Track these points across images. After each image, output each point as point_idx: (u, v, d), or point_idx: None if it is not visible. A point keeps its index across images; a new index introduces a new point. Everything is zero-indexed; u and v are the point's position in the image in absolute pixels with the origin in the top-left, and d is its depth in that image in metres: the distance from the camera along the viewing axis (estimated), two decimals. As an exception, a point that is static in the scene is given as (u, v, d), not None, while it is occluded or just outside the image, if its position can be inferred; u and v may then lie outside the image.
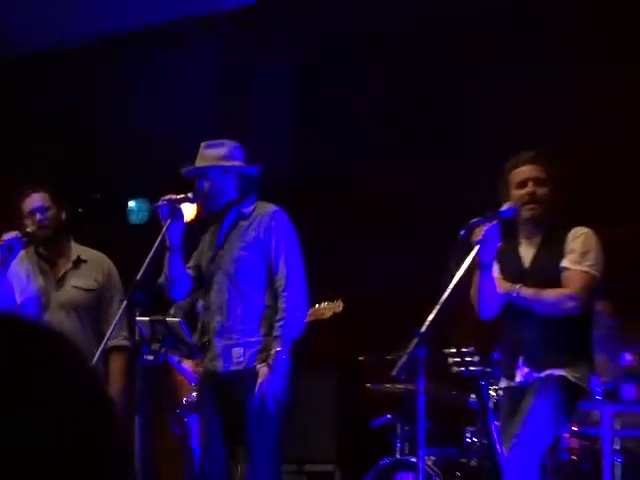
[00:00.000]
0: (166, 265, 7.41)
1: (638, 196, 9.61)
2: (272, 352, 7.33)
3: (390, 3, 10.48)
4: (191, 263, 7.64)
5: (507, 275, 7.19)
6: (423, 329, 6.60)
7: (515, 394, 7.10)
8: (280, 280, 7.44)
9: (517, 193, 7.08)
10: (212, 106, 10.60)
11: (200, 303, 7.65)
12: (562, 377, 6.97)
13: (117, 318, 7.36)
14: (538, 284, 7.05)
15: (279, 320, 7.36)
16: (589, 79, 9.92)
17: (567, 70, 10.06)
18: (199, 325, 7.59)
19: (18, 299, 7.87)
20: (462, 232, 6.79)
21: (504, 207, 7.00)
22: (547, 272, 7.09)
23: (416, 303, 7.12)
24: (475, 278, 7.06)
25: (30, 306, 7.80)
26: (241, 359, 7.42)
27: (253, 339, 7.43)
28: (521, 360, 7.09)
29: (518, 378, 7.10)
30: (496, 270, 7.21)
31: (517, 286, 7.06)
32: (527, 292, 7.03)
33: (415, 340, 6.63)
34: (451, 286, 6.65)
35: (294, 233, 7.62)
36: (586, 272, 7.02)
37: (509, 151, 7.62)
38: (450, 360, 8.00)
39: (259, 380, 7.28)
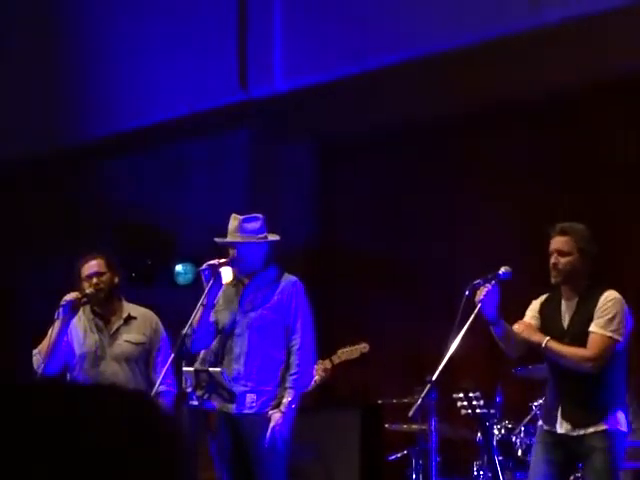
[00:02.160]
0: (197, 319, 7.34)
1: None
2: (284, 401, 7.33)
3: (388, 105, 10.34)
4: (211, 319, 7.62)
5: (549, 331, 7.01)
6: (434, 376, 6.63)
7: (560, 441, 6.93)
8: (295, 340, 7.45)
9: (550, 261, 6.99)
10: (244, 186, 10.62)
11: (211, 353, 7.61)
12: (614, 431, 6.82)
13: (166, 367, 7.35)
14: (575, 343, 6.89)
15: (292, 374, 7.38)
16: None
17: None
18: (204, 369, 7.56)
19: (77, 351, 7.73)
20: (467, 292, 6.75)
21: (502, 270, 6.88)
22: (582, 334, 6.90)
23: (427, 353, 7.15)
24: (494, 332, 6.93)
25: (88, 358, 7.70)
26: (253, 404, 7.40)
27: (267, 388, 7.42)
28: (560, 411, 6.94)
29: (560, 429, 6.93)
30: (534, 316, 7.09)
31: (546, 338, 6.90)
32: (552, 346, 6.88)
33: (427, 386, 6.66)
34: (458, 339, 6.63)
35: (308, 301, 7.63)
36: (609, 337, 6.83)
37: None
38: (459, 403, 7.76)
39: (271, 424, 7.29)
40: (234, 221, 7.55)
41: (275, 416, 7.32)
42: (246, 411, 7.38)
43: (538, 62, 9.47)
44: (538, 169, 10.21)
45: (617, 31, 9.04)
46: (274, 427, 7.30)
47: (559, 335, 6.92)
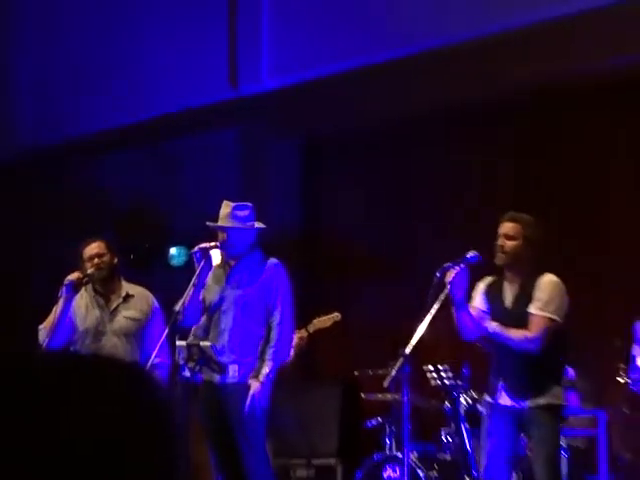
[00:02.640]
0: (188, 298, 7.42)
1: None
2: (263, 371, 7.44)
3: (372, 102, 10.46)
4: (200, 297, 7.67)
5: (492, 310, 7.17)
6: (407, 351, 6.83)
7: (502, 413, 7.08)
8: (275, 317, 7.53)
9: (496, 243, 7.13)
10: (234, 178, 10.66)
11: (200, 328, 7.67)
12: (555, 404, 7.01)
13: (160, 342, 7.46)
14: (515, 323, 7.02)
15: (271, 348, 7.48)
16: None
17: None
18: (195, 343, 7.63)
19: (80, 327, 7.80)
20: (438, 274, 6.90)
21: (469, 254, 7.03)
22: (522, 315, 7.02)
23: (401, 329, 7.37)
24: (454, 311, 7.06)
25: (89, 333, 7.81)
26: (236, 374, 7.50)
27: (248, 359, 7.52)
28: (502, 385, 7.07)
29: (502, 401, 7.08)
30: (483, 304, 7.23)
31: (493, 324, 7.06)
32: (498, 330, 7.03)
33: (401, 359, 6.85)
34: (429, 316, 6.82)
35: (289, 282, 7.70)
36: (549, 318, 6.98)
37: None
38: (429, 375, 8.06)
39: (251, 392, 7.39)
40: (226, 208, 7.63)
41: (254, 385, 7.41)
42: (229, 380, 7.47)
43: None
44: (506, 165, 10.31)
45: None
46: (253, 395, 7.39)
47: (502, 315, 7.08)
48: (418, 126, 10.60)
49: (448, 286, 6.88)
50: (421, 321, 6.91)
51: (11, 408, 1.25)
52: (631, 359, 7.53)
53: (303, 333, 8.43)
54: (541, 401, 6.95)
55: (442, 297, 6.91)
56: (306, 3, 10.14)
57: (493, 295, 7.20)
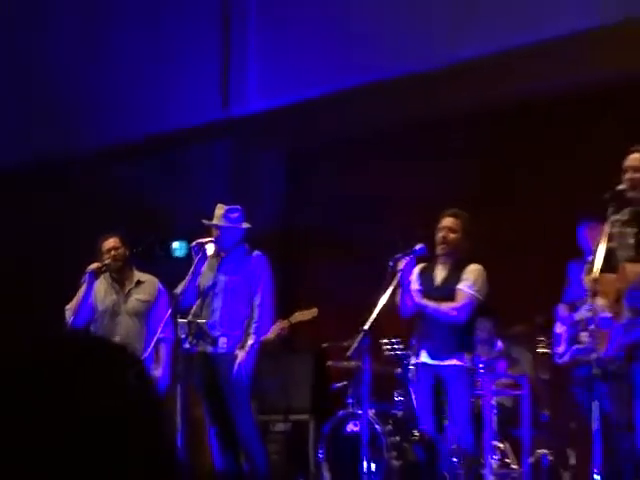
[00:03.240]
0: (186, 284, 7.50)
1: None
2: (248, 343, 7.54)
3: (344, 121, 10.42)
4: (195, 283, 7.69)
5: (424, 288, 7.26)
6: (366, 327, 6.96)
7: (423, 369, 7.22)
8: (257, 299, 7.61)
9: (438, 235, 7.25)
10: (227, 184, 10.61)
11: (197, 308, 7.70)
12: (467, 368, 7.13)
13: (164, 320, 7.59)
14: (443, 298, 7.17)
15: (254, 323, 7.57)
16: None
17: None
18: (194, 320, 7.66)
19: (99, 308, 7.85)
20: (391, 263, 7.06)
21: (417, 247, 7.13)
22: (450, 291, 7.18)
23: (363, 309, 7.46)
24: (399, 292, 7.17)
25: (107, 313, 7.88)
26: (224, 345, 7.58)
27: (235, 333, 7.60)
28: (425, 346, 7.21)
29: (422, 359, 7.24)
30: (417, 284, 7.31)
31: (424, 300, 7.18)
32: (430, 305, 7.18)
33: (362, 334, 6.97)
34: (384, 298, 6.94)
35: (270, 269, 7.75)
36: (471, 294, 7.13)
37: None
38: (384, 347, 8.10)
39: (237, 360, 7.48)
40: (220, 210, 7.66)
41: (240, 354, 7.51)
42: (219, 350, 7.56)
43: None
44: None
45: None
46: (239, 362, 7.48)
47: (432, 292, 7.21)
48: (383, 141, 10.56)
49: (399, 273, 6.98)
50: (377, 302, 6.98)
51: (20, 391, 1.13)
52: (555, 337, 7.67)
53: (285, 323, 8.37)
54: (453, 362, 7.07)
55: (394, 282, 6.98)
56: (288, 37, 10.03)
57: (425, 276, 7.31)
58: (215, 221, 7.66)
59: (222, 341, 7.60)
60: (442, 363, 7.13)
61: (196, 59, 10.69)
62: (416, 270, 7.37)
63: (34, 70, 11.79)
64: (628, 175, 5.95)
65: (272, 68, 10.25)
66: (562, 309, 7.53)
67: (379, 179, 10.72)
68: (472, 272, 7.18)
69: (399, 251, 7.22)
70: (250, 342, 7.55)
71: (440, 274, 7.28)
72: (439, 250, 7.25)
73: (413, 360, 7.32)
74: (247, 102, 10.46)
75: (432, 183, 10.19)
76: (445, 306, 7.14)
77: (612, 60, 8.65)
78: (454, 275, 7.21)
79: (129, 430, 1.16)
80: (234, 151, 11.12)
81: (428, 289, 7.27)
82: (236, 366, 7.48)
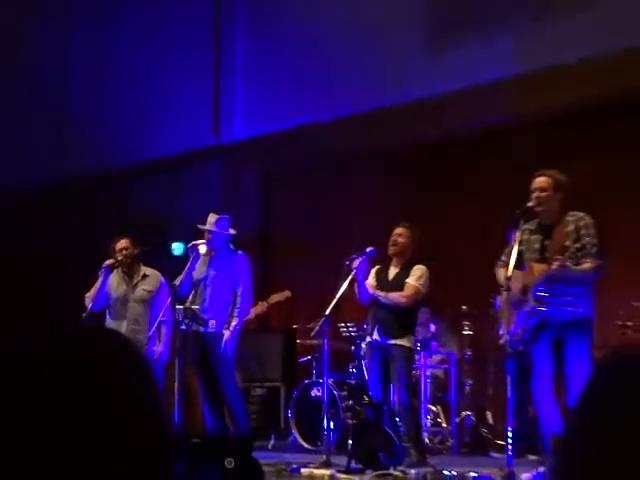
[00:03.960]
0: (183, 277, 7.44)
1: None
2: (232, 324, 7.44)
3: (309, 149, 10.28)
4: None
5: (379, 282, 7.21)
6: (327, 312, 7.03)
7: (374, 347, 7.14)
8: (239, 288, 7.51)
9: (390, 239, 7.20)
10: (216, 199, 10.39)
11: (191, 296, 7.60)
12: (409, 347, 7.05)
13: (165, 306, 7.53)
14: (394, 289, 7.10)
15: (237, 308, 7.47)
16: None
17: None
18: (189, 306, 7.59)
19: (113, 296, 7.75)
20: (347, 262, 7.05)
21: (368, 249, 7.07)
22: (400, 284, 7.13)
23: (325, 298, 7.50)
24: (356, 286, 7.15)
25: (119, 300, 7.78)
26: (213, 326, 7.50)
27: (222, 316, 7.50)
28: (377, 328, 7.17)
29: (375, 337, 7.17)
30: (373, 279, 7.26)
31: (378, 291, 7.15)
32: (381, 294, 7.13)
33: (323, 318, 7.07)
34: (341, 290, 6.98)
35: (250, 266, 7.67)
36: (417, 286, 7.10)
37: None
38: (341, 329, 8.10)
39: (224, 339, 7.40)
40: (212, 217, 7.60)
41: (226, 333, 7.44)
42: (209, 330, 7.49)
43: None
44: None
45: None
46: (225, 340, 7.42)
47: (385, 284, 7.18)
48: (342, 165, 10.53)
49: (354, 270, 6.99)
50: (336, 292, 7.00)
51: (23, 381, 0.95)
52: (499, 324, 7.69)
53: (264, 304, 8.35)
54: (398, 342, 7.04)
55: (350, 277, 6.98)
56: (269, 80, 9.93)
57: (381, 274, 7.30)
58: (207, 227, 7.60)
59: (212, 323, 7.53)
60: (389, 342, 7.08)
61: (193, 97, 10.64)
62: (373, 270, 7.34)
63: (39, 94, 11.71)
64: (535, 194, 6.06)
65: (254, 105, 10.16)
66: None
67: (338, 194, 10.66)
68: (418, 270, 7.17)
69: (354, 252, 7.18)
70: (234, 323, 7.49)
71: (392, 272, 7.27)
72: (390, 250, 7.25)
73: (368, 339, 7.27)
74: (233, 132, 10.41)
75: (381, 199, 10.22)
76: (396, 295, 7.12)
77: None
78: (403, 272, 7.17)
79: (129, 430, 0.97)
80: (222, 171, 11.00)
81: (383, 283, 7.22)
82: (223, 343, 7.43)
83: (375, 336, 7.17)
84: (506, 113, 9.00)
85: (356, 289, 7.19)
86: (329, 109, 9.41)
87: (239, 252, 7.74)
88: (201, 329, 7.55)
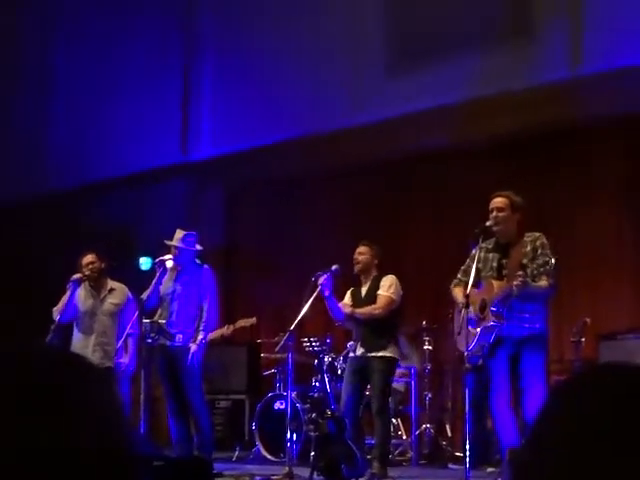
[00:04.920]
0: (150, 291, 7.44)
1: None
2: (198, 338, 7.43)
3: (272, 166, 10.33)
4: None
5: (354, 302, 7.22)
6: (292, 327, 7.08)
7: (359, 362, 7.11)
8: (205, 303, 7.50)
9: (354, 257, 7.25)
10: (182, 214, 10.35)
11: (157, 311, 7.63)
12: (390, 357, 7.04)
13: (132, 319, 7.56)
14: (368, 304, 7.11)
15: (203, 323, 7.48)
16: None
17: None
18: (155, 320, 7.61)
19: (81, 309, 7.73)
20: (313, 279, 7.07)
21: (333, 267, 7.10)
22: (372, 298, 7.12)
23: (289, 313, 7.52)
24: (326, 303, 7.15)
25: (86, 314, 7.75)
26: (180, 340, 7.48)
27: (188, 330, 7.49)
28: (359, 344, 7.14)
29: (358, 353, 7.13)
30: (349, 299, 7.29)
31: (351, 308, 7.15)
32: (357, 311, 7.14)
33: (288, 333, 7.10)
34: (307, 305, 6.99)
35: (215, 280, 7.66)
36: (389, 296, 7.10)
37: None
38: (305, 343, 8.21)
39: (191, 351, 7.38)
40: (179, 234, 7.60)
41: (193, 347, 7.43)
42: (176, 344, 7.48)
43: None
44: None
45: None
46: (192, 353, 7.40)
47: (359, 301, 7.23)
48: (305, 184, 10.62)
49: (319, 287, 7.01)
50: (301, 308, 7.03)
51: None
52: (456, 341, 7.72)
53: (230, 328, 8.38)
54: (379, 354, 7.03)
55: (314, 294, 7.00)
56: (236, 99, 9.99)
57: (355, 294, 7.34)
58: (174, 242, 7.61)
59: (178, 337, 7.53)
60: (370, 355, 7.06)
61: (162, 117, 10.67)
62: (349, 292, 7.38)
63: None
64: (493, 214, 6.15)
65: (219, 126, 10.20)
66: None
67: (301, 212, 10.70)
68: (386, 280, 7.21)
69: (317, 268, 7.19)
70: (200, 337, 7.49)
71: (364, 289, 7.32)
72: (355, 269, 7.30)
73: (351, 354, 7.24)
74: (200, 150, 10.44)
75: (341, 217, 10.34)
76: (369, 308, 7.14)
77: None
78: (374, 286, 7.20)
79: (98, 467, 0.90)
80: (188, 188, 11.01)
81: (358, 301, 7.26)
82: (190, 355, 7.42)
83: (358, 352, 7.17)
84: (452, 137, 9.11)
85: (327, 306, 7.22)
86: (294, 128, 9.47)
87: (205, 267, 7.71)
88: (168, 343, 7.54)
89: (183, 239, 7.62)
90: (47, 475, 0.89)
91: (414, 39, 8.79)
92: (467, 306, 5.90)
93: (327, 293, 7.04)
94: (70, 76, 11.45)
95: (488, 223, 6.14)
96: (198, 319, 7.54)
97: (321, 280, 7.00)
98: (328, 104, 9.21)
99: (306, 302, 7.01)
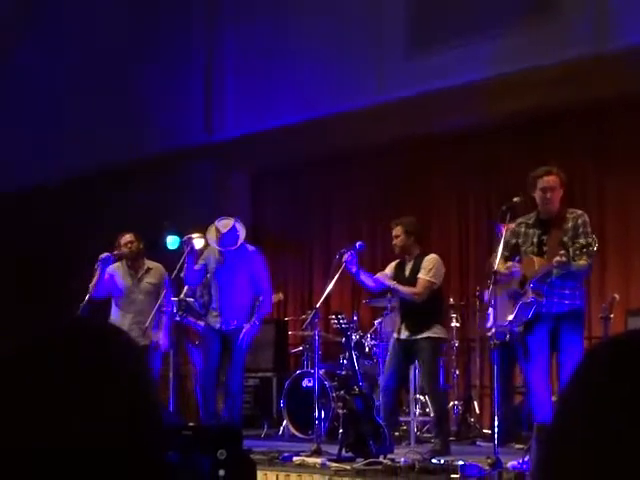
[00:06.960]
0: (186, 268, 7.37)
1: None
2: (252, 320, 7.38)
3: (297, 149, 10.26)
4: (198, 267, 7.48)
5: (396, 277, 7.08)
6: (318, 305, 7.05)
7: (404, 345, 6.98)
8: (259, 284, 7.44)
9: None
10: (209, 197, 10.31)
11: (206, 289, 7.51)
12: (436, 337, 6.93)
13: (163, 295, 7.59)
14: (411, 284, 6.99)
15: (258, 305, 7.43)
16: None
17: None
18: (207, 299, 7.52)
19: (120, 287, 7.71)
20: (337, 256, 6.96)
21: (358, 243, 7.03)
22: (415, 278, 6.98)
23: (316, 291, 7.46)
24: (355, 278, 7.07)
25: (125, 292, 7.76)
26: (235, 322, 7.42)
27: (243, 312, 7.43)
28: (403, 326, 7.02)
29: (403, 336, 7.00)
30: (391, 270, 7.14)
31: (391, 281, 7.04)
32: (396, 286, 7.02)
33: (314, 310, 7.07)
34: (332, 283, 6.92)
35: (265, 260, 7.63)
36: (427, 280, 6.96)
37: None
38: (332, 320, 7.78)
39: (243, 331, 7.30)
40: (227, 221, 7.45)
41: (246, 327, 7.37)
42: (231, 327, 7.39)
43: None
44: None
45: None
46: (245, 332, 7.35)
47: (403, 279, 7.07)
48: (326, 164, 10.56)
49: (343, 264, 6.90)
50: (327, 285, 7.00)
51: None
52: (487, 316, 7.60)
53: (279, 295, 8.47)
54: (424, 335, 6.92)
55: (339, 271, 6.92)
56: (255, 84, 9.93)
57: (398, 270, 7.20)
58: (223, 230, 7.47)
59: (233, 321, 7.45)
60: (415, 337, 6.94)
61: (188, 100, 10.61)
62: (392, 265, 7.25)
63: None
64: (547, 195, 5.90)
65: (243, 106, 10.12)
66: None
67: (326, 193, 10.71)
68: (428, 262, 7.04)
69: (344, 246, 7.14)
70: (254, 318, 7.43)
71: (408, 267, 7.16)
72: (396, 251, 7.20)
73: (394, 335, 7.11)
74: (225, 131, 10.34)
75: (366, 197, 10.23)
76: (407, 290, 7.00)
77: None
78: (416, 267, 7.07)
79: (127, 429, 0.92)
80: (215, 169, 10.94)
81: (401, 278, 7.10)
82: (241, 335, 7.34)
83: (403, 335, 7.04)
84: (478, 115, 9.01)
85: (358, 281, 7.12)
86: (318, 107, 9.37)
87: (255, 248, 7.63)
88: (223, 327, 7.44)
89: (232, 227, 7.49)
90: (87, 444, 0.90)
91: (437, 17, 8.65)
92: (496, 282, 5.85)
93: (354, 270, 6.93)
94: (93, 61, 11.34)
95: (516, 199, 6.06)
96: (253, 302, 7.45)
97: (345, 257, 6.90)
98: (352, 83, 9.14)
99: (331, 279, 6.92)
